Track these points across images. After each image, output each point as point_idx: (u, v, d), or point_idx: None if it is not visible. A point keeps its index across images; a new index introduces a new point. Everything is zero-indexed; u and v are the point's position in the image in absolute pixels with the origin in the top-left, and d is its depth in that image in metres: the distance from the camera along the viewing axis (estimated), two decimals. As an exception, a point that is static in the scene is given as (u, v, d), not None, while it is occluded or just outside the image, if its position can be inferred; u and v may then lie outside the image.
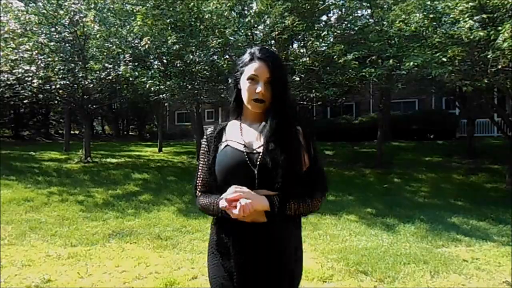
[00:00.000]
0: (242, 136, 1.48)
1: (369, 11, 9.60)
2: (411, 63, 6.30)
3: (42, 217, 5.82)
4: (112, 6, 9.13)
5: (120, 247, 4.59)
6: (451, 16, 5.84)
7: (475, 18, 5.60)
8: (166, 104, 17.85)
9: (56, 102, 13.55)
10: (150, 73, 8.89)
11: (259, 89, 1.42)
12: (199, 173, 1.56)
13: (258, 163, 1.40)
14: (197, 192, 1.56)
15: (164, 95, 9.97)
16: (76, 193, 7.45)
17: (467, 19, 5.56)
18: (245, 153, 1.43)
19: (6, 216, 5.78)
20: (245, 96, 1.47)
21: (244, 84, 1.47)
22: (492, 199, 7.48)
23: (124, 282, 3.56)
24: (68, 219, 5.80)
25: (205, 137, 1.58)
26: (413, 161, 11.47)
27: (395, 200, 7.51)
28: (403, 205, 7.04)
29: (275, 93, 1.44)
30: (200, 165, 1.56)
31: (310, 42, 8.27)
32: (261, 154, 1.41)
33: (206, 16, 7.90)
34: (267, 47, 1.55)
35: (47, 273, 3.67)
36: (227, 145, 1.48)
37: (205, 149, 1.56)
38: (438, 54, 6.21)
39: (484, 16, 5.55)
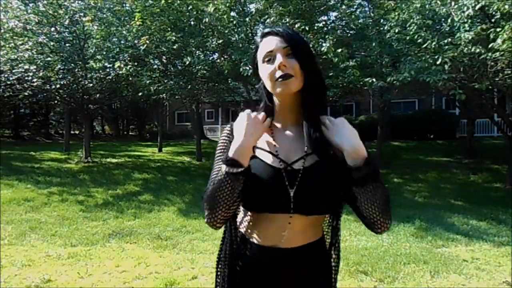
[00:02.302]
0: (275, 142, 1.14)
1: (368, 12, 9.60)
2: (405, 74, 6.29)
3: (42, 217, 5.82)
4: (111, 6, 9.13)
5: (120, 247, 4.59)
6: (450, 24, 5.81)
7: (475, 29, 5.57)
8: (166, 104, 17.85)
9: (56, 102, 13.55)
10: (145, 68, 8.89)
11: (280, 60, 1.08)
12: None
13: (296, 183, 1.08)
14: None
15: (164, 95, 9.97)
16: (76, 193, 7.45)
17: (467, 28, 5.53)
18: (282, 170, 1.09)
19: (6, 216, 5.78)
20: (268, 83, 1.13)
21: (262, 70, 1.14)
22: (492, 199, 7.48)
23: (124, 282, 3.56)
24: (68, 219, 5.80)
25: (227, 130, 1.19)
26: (413, 161, 11.47)
27: (395, 200, 7.51)
28: (403, 205, 7.04)
29: (304, 65, 1.11)
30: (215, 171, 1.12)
31: (310, 42, 8.26)
32: (300, 172, 1.09)
33: (206, 16, 7.90)
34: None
35: (47, 273, 3.67)
36: (254, 157, 1.11)
37: (224, 148, 1.16)
38: (436, 57, 6.19)
39: (484, 26, 5.53)
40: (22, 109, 20.54)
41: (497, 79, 6.72)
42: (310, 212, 1.10)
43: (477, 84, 6.20)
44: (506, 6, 5.12)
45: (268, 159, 1.11)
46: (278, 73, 1.08)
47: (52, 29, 9.80)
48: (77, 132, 23.75)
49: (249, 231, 1.16)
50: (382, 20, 8.15)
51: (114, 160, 11.68)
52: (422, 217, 6.08)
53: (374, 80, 7.06)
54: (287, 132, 1.16)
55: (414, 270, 3.86)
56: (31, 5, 9.50)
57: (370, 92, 13.64)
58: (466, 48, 5.50)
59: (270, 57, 1.11)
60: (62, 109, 17.31)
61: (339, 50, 6.80)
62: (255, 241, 1.14)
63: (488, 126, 15.96)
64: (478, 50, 5.39)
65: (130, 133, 28.17)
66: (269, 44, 1.12)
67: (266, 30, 1.15)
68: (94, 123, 26.02)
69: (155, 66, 10.16)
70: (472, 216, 6.18)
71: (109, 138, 24.61)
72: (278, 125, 1.18)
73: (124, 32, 8.91)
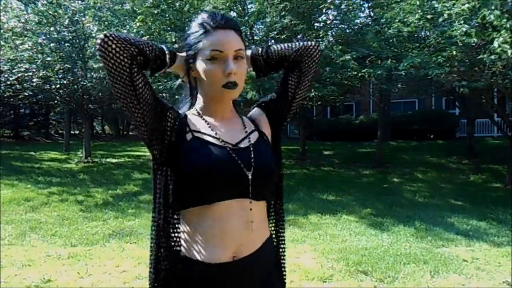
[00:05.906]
0: (211, 128, 1.06)
1: (367, 11, 9.61)
2: (407, 64, 6.31)
3: (42, 217, 5.82)
4: (111, 5, 9.14)
5: (120, 247, 4.59)
6: (447, 17, 5.84)
7: (471, 22, 5.59)
8: (166, 104, 17.87)
9: (56, 102, 13.54)
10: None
11: (230, 66, 0.99)
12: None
13: (253, 164, 1.01)
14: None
15: (164, 94, 9.96)
16: (76, 193, 7.45)
17: (462, 21, 5.55)
18: (228, 149, 1.02)
19: (6, 216, 5.78)
20: (207, 84, 1.03)
21: (205, 68, 1.02)
22: (492, 199, 7.48)
23: (124, 282, 3.56)
24: (68, 219, 5.80)
25: (172, 110, 1.05)
26: (413, 161, 11.47)
27: (395, 200, 7.51)
28: (403, 205, 7.04)
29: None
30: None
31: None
32: (252, 152, 1.04)
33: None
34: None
35: (47, 273, 3.67)
36: (195, 138, 1.02)
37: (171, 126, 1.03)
38: (436, 54, 6.21)
39: (479, 21, 5.54)
40: (22, 109, 20.50)
41: (494, 79, 6.73)
42: (265, 195, 1.07)
43: (475, 84, 6.22)
44: (498, 12, 5.10)
45: (210, 139, 1.03)
46: (224, 80, 1.00)
47: (52, 29, 9.80)
48: (77, 132, 23.73)
49: (195, 244, 1.00)
50: (381, 19, 8.17)
51: (114, 160, 11.67)
52: (422, 217, 6.08)
53: (371, 70, 7.08)
54: (220, 123, 1.08)
55: (414, 270, 3.86)
56: (31, 5, 9.50)
57: (370, 92, 13.65)
58: (461, 40, 5.52)
59: (217, 57, 1.00)
60: (62, 109, 17.29)
61: (337, 47, 6.83)
62: (206, 256, 0.98)
63: (488, 126, 15.96)
64: (475, 40, 5.41)
65: (130, 133, 28.14)
66: (221, 42, 1.00)
67: (214, 22, 1.02)
68: (94, 123, 26.00)
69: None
70: (472, 216, 6.18)
71: (109, 138, 24.59)
72: (208, 117, 1.08)
73: (124, 32, 8.92)
